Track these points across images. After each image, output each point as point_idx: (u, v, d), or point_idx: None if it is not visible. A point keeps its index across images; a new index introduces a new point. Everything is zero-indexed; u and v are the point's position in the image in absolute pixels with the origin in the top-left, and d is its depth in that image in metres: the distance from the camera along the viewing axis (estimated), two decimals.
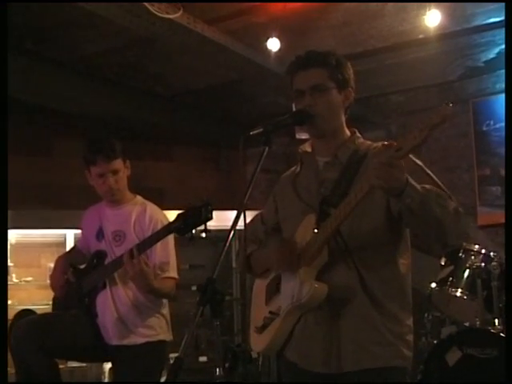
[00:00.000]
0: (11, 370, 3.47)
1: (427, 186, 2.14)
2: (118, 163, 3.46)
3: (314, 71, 2.34)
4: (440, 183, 2.28)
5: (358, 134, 2.47)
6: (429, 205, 2.07)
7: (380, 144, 2.37)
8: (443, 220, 2.12)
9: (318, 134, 2.40)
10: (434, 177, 2.30)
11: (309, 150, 2.48)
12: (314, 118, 2.32)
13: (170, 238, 3.44)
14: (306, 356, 2.31)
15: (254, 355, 3.21)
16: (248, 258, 2.55)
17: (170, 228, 3.19)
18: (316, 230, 2.27)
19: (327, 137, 2.40)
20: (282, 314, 2.33)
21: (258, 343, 2.43)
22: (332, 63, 2.36)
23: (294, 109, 2.40)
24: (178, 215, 3.10)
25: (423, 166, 2.31)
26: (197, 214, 3.00)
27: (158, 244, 3.32)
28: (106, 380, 5.50)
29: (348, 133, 2.45)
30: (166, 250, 3.45)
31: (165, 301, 3.56)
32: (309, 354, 2.30)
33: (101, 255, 3.53)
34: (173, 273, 3.48)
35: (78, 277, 3.61)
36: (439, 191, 2.19)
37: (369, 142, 2.45)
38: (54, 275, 3.70)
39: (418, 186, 2.07)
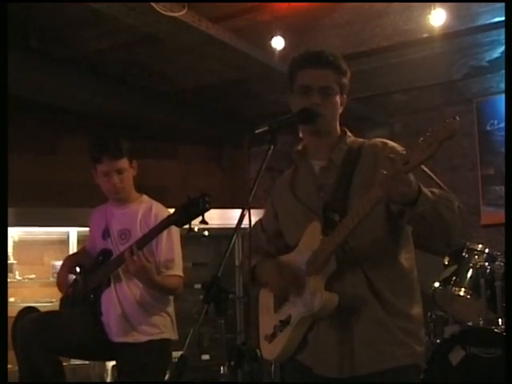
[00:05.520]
0: (14, 367, 3.48)
1: (436, 191, 2.15)
2: (124, 162, 3.47)
3: (326, 72, 2.35)
4: (440, 182, 2.29)
5: (349, 134, 2.47)
6: (439, 210, 2.10)
7: (373, 141, 2.40)
8: (450, 222, 2.15)
9: (317, 132, 2.40)
10: (434, 176, 2.30)
11: (300, 148, 2.48)
12: (319, 118, 2.32)
13: (176, 236, 3.44)
14: (321, 361, 2.31)
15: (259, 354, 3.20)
16: (252, 270, 2.51)
17: (169, 220, 3.19)
18: (321, 237, 2.26)
19: (322, 136, 2.40)
20: (293, 322, 2.32)
21: (269, 351, 2.42)
22: (342, 68, 2.38)
23: (290, 104, 2.40)
24: (177, 207, 3.11)
25: (423, 165, 2.32)
26: (194, 205, 3.02)
27: (164, 241, 3.33)
28: (109, 378, 5.50)
29: (339, 132, 2.46)
30: (171, 248, 3.45)
31: (171, 299, 3.56)
32: (323, 359, 2.30)
33: (106, 254, 3.53)
34: (177, 270, 3.48)
35: (83, 275, 3.62)
36: (447, 195, 2.21)
37: (361, 140, 2.45)
38: (61, 274, 3.71)
39: (429, 193, 2.09)
